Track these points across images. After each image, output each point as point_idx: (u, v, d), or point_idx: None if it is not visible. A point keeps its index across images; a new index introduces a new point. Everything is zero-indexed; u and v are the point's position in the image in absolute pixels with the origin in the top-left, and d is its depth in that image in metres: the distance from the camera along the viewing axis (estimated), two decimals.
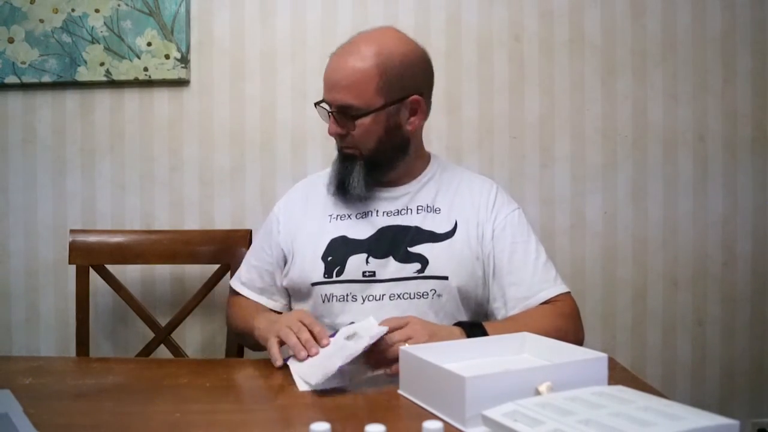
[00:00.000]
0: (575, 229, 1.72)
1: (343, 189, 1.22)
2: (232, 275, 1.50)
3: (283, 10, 1.71)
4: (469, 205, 1.24)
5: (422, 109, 1.21)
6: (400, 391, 0.89)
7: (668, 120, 1.71)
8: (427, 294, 1.17)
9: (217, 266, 1.53)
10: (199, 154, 1.73)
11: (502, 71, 1.71)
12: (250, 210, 1.72)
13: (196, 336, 1.73)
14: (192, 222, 1.73)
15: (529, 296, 1.17)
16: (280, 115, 1.72)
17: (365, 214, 1.23)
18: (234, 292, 1.33)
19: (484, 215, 1.23)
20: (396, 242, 1.19)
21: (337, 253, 1.20)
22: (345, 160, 1.22)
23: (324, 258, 1.20)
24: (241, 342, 1.40)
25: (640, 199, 1.71)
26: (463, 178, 1.29)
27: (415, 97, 1.18)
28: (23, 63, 1.69)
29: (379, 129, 1.17)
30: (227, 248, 1.53)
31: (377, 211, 1.23)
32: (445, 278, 1.18)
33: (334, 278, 1.19)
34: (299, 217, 1.28)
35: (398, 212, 1.23)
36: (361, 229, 1.21)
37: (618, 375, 0.96)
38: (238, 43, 1.72)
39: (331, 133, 1.21)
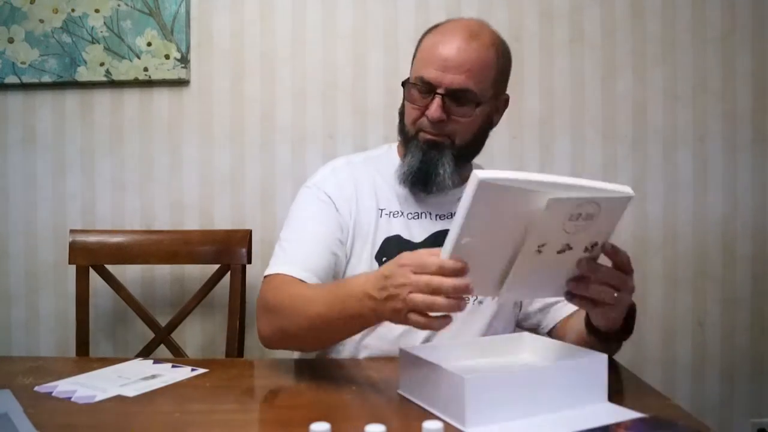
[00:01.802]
0: None
1: (425, 179, 1.11)
2: (232, 275, 1.50)
3: (283, 10, 1.71)
4: None
5: (505, 108, 1.19)
6: (400, 391, 0.89)
7: (668, 120, 1.71)
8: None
9: (217, 266, 1.53)
10: (199, 154, 1.73)
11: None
12: (250, 210, 1.72)
13: (196, 336, 1.73)
14: (192, 222, 1.73)
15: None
16: (280, 115, 1.72)
17: (418, 215, 1.16)
18: (287, 285, 1.04)
19: None
20: None
21: (392, 254, 1.09)
22: (432, 149, 1.10)
23: (378, 258, 1.13)
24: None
25: (640, 199, 1.71)
26: None
27: (507, 95, 1.18)
28: (23, 63, 1.69)
29: (481, 121, 1.13)
30: (227, 248, 1.53)
31: (430, 214, 1.16)
32: None
33: None
34: (353, 205, 1.15)
35: (451, 215, 1.14)
36: (415, 231, 1.15)
37: (618, 375, 0.96)
38: (238, 43, 1.72)
39: (434, 118, 1.08)
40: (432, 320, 0.79)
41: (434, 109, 1.07)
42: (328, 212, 1.13)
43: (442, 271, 0.76)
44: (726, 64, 1.70)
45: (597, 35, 1.71)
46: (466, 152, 1.15)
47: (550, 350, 0.94)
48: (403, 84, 1.14)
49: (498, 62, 1.12)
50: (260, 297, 1.05)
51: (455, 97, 1.08)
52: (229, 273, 1.51)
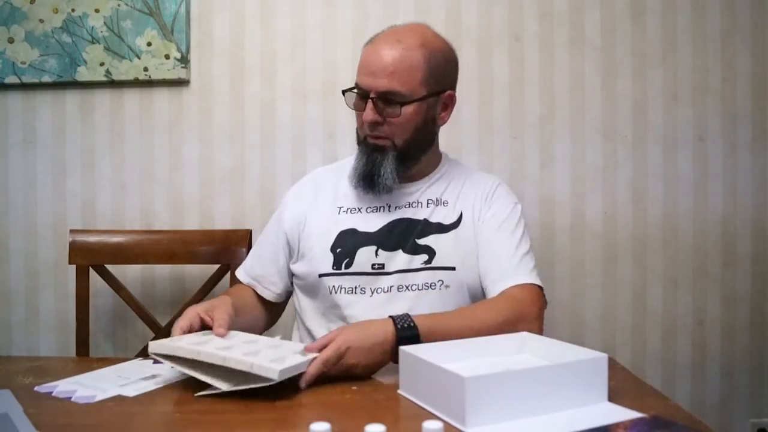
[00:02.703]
0: (575, 229, 1.72)
1: (370, 181, 1.19)
2: (232, 275, 1.50)
3: (283, 10, 1.71)
4: (472, 197, 1.25)
5: (452, 105, 1.24)
6: (399, 391, 0.89)
7: (668, 120, 1.71)
8: (435, 285, 1.18)
9: (217, 266, 1.53)
10: (199, 154, 1.73)
11: (502, 71, 1.71)
12: (250, 210, 1.72)
13: None
14: (192, 222, 1.73)
15: (499, 280, 1.15)
16: (280, 115, 1.72)
17: (376, 209, 1.24)
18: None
19: (480, 203, 1.24)
20: (406, 234, 1.20)
21: (347, 245, 1.20)
22: (375, 151, 1.19)
23: (333, 249, 1.21)
24: None
25: (640, 199, 1.71)
26: (471, 173, 1.32)
27: (450, 92, 1.22)
28: (23, 63, 1.69)
29: (418, 120, 1.18)
30: (227, 248, 1.53)
31: (389, 206, 1.23)
32: (453, 269, 1.19)
33: (343, 270, 1.19)
34: (308, 208, 1.27)
35: (409, 205, 1.23)
36: (371, 222, 1.22)
37: (618, 375, 0.96)
38: (238, 43, 1.72)
39: (367, 120, 1.16)
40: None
41: (366, 112, 1.16)
42: (279, 221, 1.30)
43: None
44: (726, 64, 1.70)
45: (597, 35, 1.71)
46: (409, 150, 1.20)
47: (550, 350, 0.94)
48: (344, 93, 1.21)
49: (428, 62, 1.15)
50: None
51: (384, 99, 1.15)
52: (229, 273, 1.51)
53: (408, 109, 1.16)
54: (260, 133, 1.72)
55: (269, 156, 1.72)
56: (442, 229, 1.22)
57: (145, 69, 1.69)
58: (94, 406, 0.86)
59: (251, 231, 1.56)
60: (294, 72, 1.72)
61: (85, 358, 1.48)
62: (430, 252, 1.19)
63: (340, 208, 1.25)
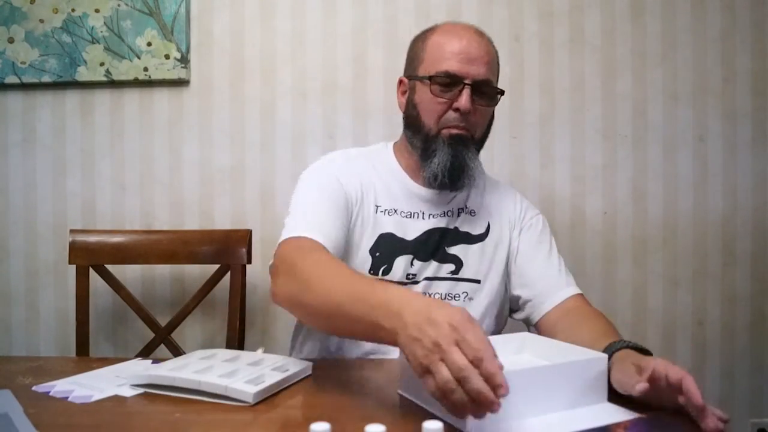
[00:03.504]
0: (575, 228, 1.72)
1: (459, 175, 1.11)
2: (232, 275, 1.51)
3: (283, 10, 1.71)
4: (496, 207, 1.23)
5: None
6: (399, 391, 0.89)
7: (668, 120, 1.71)
8: (459, 296, 1.16)
9: (217, 266, 1.53)
10: (199, 154, 1.73)
11: (503, 71, 1.69)
12: (250, 210, 1.72)
13: (196, 336, 1.73)
14: (192, 222, 1.73)
15: (557, 290, 1.15)
16: (280, 115, 1.72)
17: (410, 214, 1.17)
18: (302, 248, 0.99)
19: (513, 216, 1.23)
20: (438, 243, 1.17)
21: (385, 250, 1.14)
22: (459, 144, 1.11)
23: (372, 252, 1.14)
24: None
25: (640, 199, 1.71)
26: (487, 180, 1.28)
27: (503, 90, 1.18)
28: (23, 63, 1.69)
29: (491, 115, 1.16)
30: (227, 248, 1.53)
31: (423, 213, 1.18)
32: (477, 282, 1.17)
33: (380, 277, 1.14)
34: (358, 194, 1.15)
35: (444, 214, 1.19)
36: (407, 229, 1.16)
37: None
38: (238, 43, 1.72)
39: (464, 108, 1.08)
40: (446, 398, 0.69)
41: (465, 100, 1.08)
42: (339, 192, 1.12)
43: (484, 374, 0.66)
44: (726, 64, 1.70)
45: (597, 35, 1.71)
46: (479, 147, 1.17)
47: (550, 350, 0.94)
48: (406, 81, 1.16)
49: (499, 60, 1.16)
50: (279, 257, 0.99)
51: (479, 89, 1.10)
52: (229, 273, 1.52)
53: (493, 103, 1.13)
54: (260, 133, 1.72)
55: (269, 156, 1.72)
56: (469, 239, 1.19)
57: (145, 69, 1.69)
58: (94, 406, 0.86)
59: (251, 231, 1.56)
60: (294, 72, 1.72)
61: (84, 358, 1.48)
62: (458, 262, 1.17)
63: (378, 206, 1.16)
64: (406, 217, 1.17)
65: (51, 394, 0.90)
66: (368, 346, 1.12)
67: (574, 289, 1.16)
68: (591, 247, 1.71)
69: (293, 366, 0.97)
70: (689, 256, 1.72)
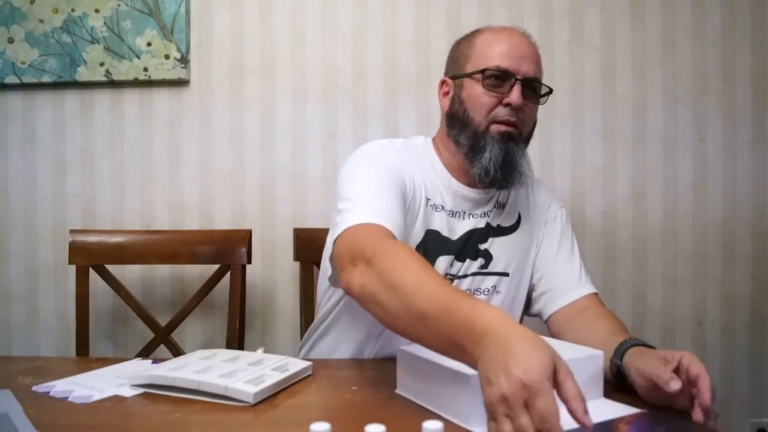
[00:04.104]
0: (575, 229, 1.71)
1: (510, 172, 1.10)
2: (232, 275, 1.50)
3: (283, 10, 1.71)
4: (525, 198, 1.24)
5: None
6: (399, 391, 0.89)
7: (668, 120, 1.71)
8: (488, 291, 1.16)
9: (217, 266, 1.53)
10: (199, 154, 1.73)
11: None
12: (250, 210, 1.72)
13: (196, 336, 1.73)
14: (192, 222, 1.73)
15: (575, 287, 1.16)
16: (280, 115, 1.72)
17: (453, 213, 1.15)
18: (376, 237, 0.93)
19: (541, 207, 1.24)
20: (474, 242, 1.16)
21: (431, 248, 1.13)
22: (509, 140, 1.10)
23: (418, 248, 1.11)
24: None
25: (640, 200, 1.71)
26: None
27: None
28: (23, 63, 1.69)
29: (537, 115, 1.17)
30: (227, 248, 1.53)
31: (463, 213, 1.16)
32: (506, 275, 1.17)
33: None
34: (410, 184, 1.12)
35: (484, 214, 1.18)
36: (450, 228, 1.14)
37: None
38: (238, 43, 1.72)
39: (516, 104, 1.08)
40: None
41: (517, 95, 1.08)
42: (397, 178, 1.08)
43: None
44: (726, 64, 1.70)
45: (597, 35, 1.71)
46: (526, 146, 1.16)
47: None
48: (450, 81, 1.17)
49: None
50: (350, 245, 0.93)
51: (528, 85, 1.11)
52: (229, 273, 1.51)
53: (539, 102, 1.14)
54: (260, 133, 1.72)
55: (269, 156, 1.72)
56: (501, 231, 1.18)
57: (145, 69, 1.69)
58: (94, 406, 0.86)
59: (251, 231, 1.56)
60: (294, 72, 1.72)
61: (84, 358, 1.48)
62: (488, 256, 1.16)
63: (427, 200, 1.13)
64: (450, 215, 1.15)
65: (51, 394, 0.90)
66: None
67: (590, 288, 1.17)
68: (591, 247, 1.71)
69: (293, 366, 0.97)
70: (689, 256, 1.72)
